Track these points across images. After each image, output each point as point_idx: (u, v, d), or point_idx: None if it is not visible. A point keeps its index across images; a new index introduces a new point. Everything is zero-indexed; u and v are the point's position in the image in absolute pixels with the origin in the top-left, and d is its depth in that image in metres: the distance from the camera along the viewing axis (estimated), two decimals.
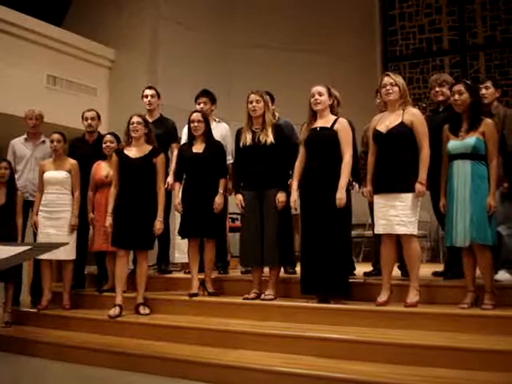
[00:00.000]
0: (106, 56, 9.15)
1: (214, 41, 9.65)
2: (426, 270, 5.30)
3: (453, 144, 4.48)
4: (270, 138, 5.00)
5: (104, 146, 5.77)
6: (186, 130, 5.67)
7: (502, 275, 4.77)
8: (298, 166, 4.92)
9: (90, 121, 6.13)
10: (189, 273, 5.51)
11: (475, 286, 4.42)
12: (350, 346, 4.05)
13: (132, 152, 5.31)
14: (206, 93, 6.05)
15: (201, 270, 5.39)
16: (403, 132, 4.52)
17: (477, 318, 4.17)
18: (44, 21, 8.26)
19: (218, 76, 9.14)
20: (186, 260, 5.78)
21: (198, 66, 9.30)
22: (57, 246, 5.15)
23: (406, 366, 3.73)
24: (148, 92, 6.21)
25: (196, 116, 5.39)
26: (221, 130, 5.99)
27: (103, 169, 5.76)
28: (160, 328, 4.84)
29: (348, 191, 4.81)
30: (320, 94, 4.83)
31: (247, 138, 5.09)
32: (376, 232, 4.67)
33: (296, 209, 4.93)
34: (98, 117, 6.23)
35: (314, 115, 4.89)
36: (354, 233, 6.02)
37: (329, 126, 4.79)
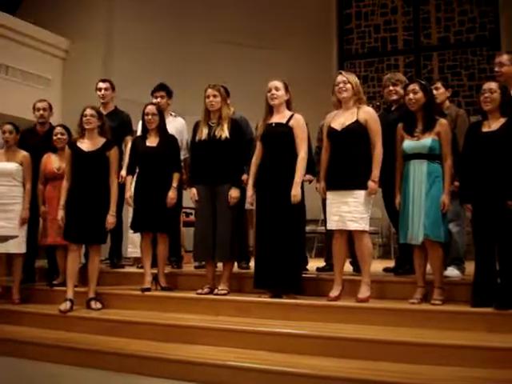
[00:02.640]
0: (61, 46, 8.97)
1: (170, 34, 9.56)
2: (378, 266, 5.39)
3: (409, 144, 4.56)
4: (226, 133, 5.00)
5: (54, 138, 5.66)
6: (141, 122, 5.61)
7: (452, 271, 4.89)
8: (255, 161, 4.93)
9: (41, 111, 6.01)
10: (141, 267, 5.46)
11: (425, 282, 4.51)
12: (303, 340, 4.09)
13: (85, 145, 5.23)
14: (162, 87, 6.01)
15: (154, 264, 5.35)
16: (358, 130, 4.58)
17: (426, 313, 4.26)
18: None
19: (175, 69, 9.06)
20: (138, 254, 5.74)
21: (154, 58, 9.20)
22: (6, 238, 5.04)
23: (357, 360, 3.78)
24: (102, 85, 6.13)
25: (150, 109, 5.35)
26: (177, 125, 5.97)
27: (54, 161, 5.65)
28: (112, 323, 4.78)
29: (302, 187, 4.85)
30: (277, 89, 4.84)
31: (203, 133, 5.07)
32: (328, 228, 4.71)
33: (252, 204, 4.95)
34: (50, 108, 6.11)
35: (270, 110, 4.90)
36: (307, 228, 6.05)
37: (284, 121, 4.81)
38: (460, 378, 3.42)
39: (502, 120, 4.22)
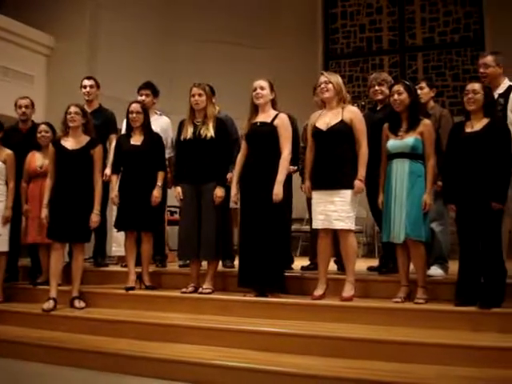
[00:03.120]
0: (45, 43, 8.88)
1: (155, 32, 9.53)
2: (362, 265, 5.41)
3: (392, 143, 4.58)
4: (211, 132, 4.99)
5: (39, 135, 5.61)
6: (125, 121, 5.59)
7: (435, 270, 4.92)
8: (240, 160, 4.93)
9: (23, 109, 5.96)
10: (126, 266, 5.45)
11: (409, 281, 4.54)
12: (287, 339, 4.09)
13: (69, 143, 5.19)
14: (148, 85, 5.99)
15: (138, 263, 5.34)
16: (343, 130, 4.59)
17: (410, 312, 4.28)
18: None
19: (160, 68, 9.04)
20: (122, 253, 5.72)
21: (139, 56, 9.16)
22: None
23: (341, 359, 3.80)
24: (87, 82, 6.10)
25: (135, 107, 5.33)
26: (161, 123, 5.95)
27: (37, 159, 5.61)
28: (96, 322, 4.76)
29: (288, 186, 4.85)
30: (262, 88, 4.84)
31: (188, 131, 5.06)
32: (314, 227, 4.73)
33: (236, 203, 4.95)
34: (32, 105, 6.06)
35: (255, 109, 4.91)
36: (292, 227, 6.07)
37: (269, 121, 4.81)
38: (446, 377, 3.45)
39: (485, 121, 4.25)
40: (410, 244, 4.46)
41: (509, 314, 4.00)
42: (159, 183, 5.27)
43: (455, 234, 4.47)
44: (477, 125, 4.26)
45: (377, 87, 5.26)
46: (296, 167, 5.38)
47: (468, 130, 4.29)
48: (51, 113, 7.61)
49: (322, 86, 4.69)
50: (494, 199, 4.10)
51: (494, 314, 4.03)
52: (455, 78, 10.05)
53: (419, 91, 4.99)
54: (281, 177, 4.69)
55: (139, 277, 5.30)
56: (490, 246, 4.14)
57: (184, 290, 5.01)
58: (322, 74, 4.81)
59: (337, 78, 4.72)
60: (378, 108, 5.30)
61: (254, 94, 4.86)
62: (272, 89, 4.91)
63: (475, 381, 3.38)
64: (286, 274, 4.96)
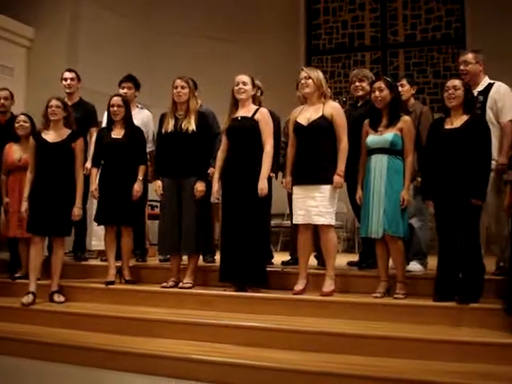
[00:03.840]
0: (25, 35, 8.77)
1: (138, 25, 9.46)
2: (342, 260, 5.45)
3: (372, 139, 4.60)
4: (192, 126, 4.97)
5: (17, 125, 5.54)
6: (106, 114, 5.55)
7: (414, 266, 4.96)
8: (220, 155, 4.93)
9: (2, 100, 5.89)
10: (105, 260, 5.42)
11: (388, 276, 4.57)
12: (267, 333, 4.10)
13: (50, 136, 5.14)
14: (130, 78, 5.96)
15: (118, 257, 5.32)
16: (324, 125, 4.61)
17: (389, 307, 4.31)
18: None
19: (141, 61, 8.98)
20: (102, 247, 5.68)
21: (120, 49, 9.09)
22: None
23: (321, 354, 3.82)
24: (68, 75, 6.05)
25: (116, 100, 5.30)
26: (143, 117, 5.93)
27: (15, 152, 5.54)
28: (75, 316, 4.73)
29: (269, 181, 4.86)
30: (244, 84, 4.84)
31: (169, 124, 5.04)
32: (295, 222, 4.74)
33: (218, 198, 4.95)
34: (12, 96, 6.00)
35: (235, 104, 4.90)
36: (272, 222, 6.08)
37: (250, 115, 4.82)
38: (426, 372, 3.47)
39: (465, 117, 4.28)
40: (388, 239, 4.49)
41: (486, 310, 4.04)
42: (140, 177, 5.25)
43: (434, 230, 4.51)
44: (456, 121, 4.30)
45: (357, 83, 5.29)
46: (274, 174, 5.39)
47: (448, 126, 4.33)
48: (31, 105, 7.52)
49: (303, 81, 4.71)
50: (473, 196, 4.13)
51: (471, 309, 4.07)
52: (436, 75, 10.11)
53: (400, 88, 5.02)
54: (265, 172, 4.70)
55: (119, 271, 5.28)
56: (468, 242, 4.18)
57: (164, 284, 5.00)
58: (303, 69, 4.82)
59: (317, 74, 4.72)
60: (359, 104, 5.32)
61: (236, 88, 4.85)
62: (254, 84, 4.91)
63: (454, 375, 3.40)
64: (267, 268, 4.96)
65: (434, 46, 10.24)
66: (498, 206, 4.61)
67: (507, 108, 4.61)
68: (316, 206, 4.54)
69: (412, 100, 5.33)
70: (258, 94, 5.36)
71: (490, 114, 4.65)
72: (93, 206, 5.71)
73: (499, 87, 4.75)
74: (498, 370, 3.44)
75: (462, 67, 4.89)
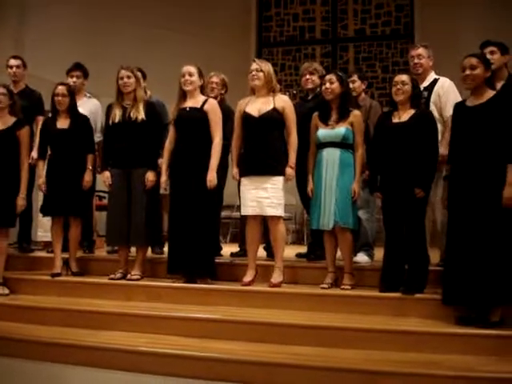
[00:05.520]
0: None
1: (86, 13, 9.26)
2: (291, 252, 5.50)
3: (323, 132, 4.65)
4: (142, 115, 4.93)
5: None
6: (51, 103, 5.43)
7: (361, 257, 5.06)
8: (168, 145, 4.90)
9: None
10: (52, 252, 5.33)
11: (335, 268, 4.64)
12: (215, 325, 4.11)
13: None
14: (78, 66, 5.87)
15: (65, 249, 5.23)
16: (275, 117, 4.64)
17: (337, 298, 4.38)
18: None
19: (89, 49, 8.81)
20: (49, 238, 5.59)
21: (68, 36, 8.89)
22: None
23: (268, 344, 3.85)
24: (13, 62, 5.91)
25: (60, 89, 5.19)
26: (91, 106, 5.85)
27: None
28: (20, 309, 4.64)
29: (222, 173, 4.86)
30: (190, 75, 4.82)
31: (117, 115, 4.98)
32: (244, 213, 4.75)
33: (166, 189, 4.92)
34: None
35: (183, 95, 4.88)
36: (222, 214, 6.08)
37: (198, 106, 4.80)
38: (372, 361, 3.53)
39: (412, 112, 4.37)
40: (337, 231, 4.55)
41: (431, 300, 4.14)
42: (90, 166, 5.19)
43: (381, 222, 4.59)
44: (403, 115, 4.38)
45: (308, 76, 5.33)
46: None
47: (395, 120, 4.40)
48: None
49: (253, 73, 4.71)
50: (417, 186, 4.22)
51: (416, 300, 4.17)
52: (385, 69, 10.24)
53: (351, 84, 5.08)
54: (214, 163, 4.69)
55: (66, 263, 5.20)
56: (413, 233, 4.27)
57: (112, 276, 4.94)
58: (254, 61, 4.82)
59: (268, 67, 4.74)
60: (309, 97, 5.37)
61: (182, 80, 4.83)
62: (201, 75, 4.89)
63: (398, 364, 3.48)
64: (216, 260, 4.98)
65: (383, 41, 10.36)
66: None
67: (451, 103, 4.70)
68: (268, 197, 4.57)
69: (362, 95, 5.43)
70: (223, 91, 5.39)
71: (433, 109, 4.73)
72: (38, 196, 5.61)
73: (443, 83, 4.85)
74: (440, 359, 3.53)
75: (415, 60, 4.93)
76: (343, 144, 4.60)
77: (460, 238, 3.89)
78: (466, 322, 3.83)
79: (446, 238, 4.10)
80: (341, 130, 4.59)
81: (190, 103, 4.84)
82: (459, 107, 4.12)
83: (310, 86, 5.33)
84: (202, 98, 4.86)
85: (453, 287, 3.90)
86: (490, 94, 3.94)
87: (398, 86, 4.38)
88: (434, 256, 4.61)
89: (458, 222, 3.93)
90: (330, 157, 4.61)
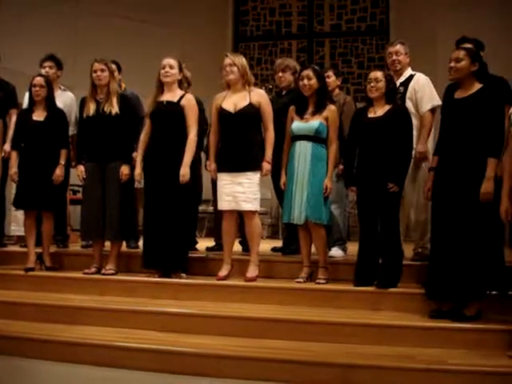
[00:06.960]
0: None
1: (61, 5, 9.16)
2: (266, 246, 5.53)
3: (297, 125, 4.66)
4: (116, 109, 4.89)
5: None
6: (27, 95, 5.38)
7: (335, 251, 5.09)
8: (144, 138, 4.87)
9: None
10: (25, 246, 5.27)
11: (310, 262, 4.66)
12: (190, 319, 4.11)
13: None
14: (51, 57, 5.79)
15: (38, 243, 5.18)
16: (252, 112, 4.64)
17: (311, 292, 4.41)
18: None
19: (64, 41, 8.72)
20: (22, 233, 5.53)
21: (42, 29, 8.76)
22: None
23: (242, 338, 3.86)
24: None
25: (38, 80, 5.13)
26: (65, 99, 5.77)
27: None
28: None
29: (195, 168, 4.84)
30: (171, 67, 4.79)
31: (91, 108, 4.94)
32: (220, 208, 4.74)
33: (140, 182, 4.90)
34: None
35: (161, 88, 4.85)
36: (198, 208, 6.07)
37: (175, 100, 4.78)
38: (345, 354, 3.56)
39: (387, 107, 4.39)
40: (310, 226, 4.57)
41: (404, 294, 4.20)
42: (62, 161, 5.12)
43: (356, 217, 4.62)
44: (379, 111, 4.40)
45: (280, 74, 5.33)
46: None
47: (370, 115, 4.43)
48: None
49: (227, 68, 4.69)
50: (391, 180, 4.25)
51: (390, 294, 4.21)
52: (360, 65, 10.30)
53: (326, 80, 5.09)
54: (188, 158, 4.68)
55: (39, 257, 5.15)
56: (388, 228, 4.31)
57: (86, 271, 4.91)
58: (227, 55, 4.80)
59: (241, 60, 4.73)
60: (284, 93, 5.37)
61: (162, 71, 4.79)
62: (180, 68, 4.87)
63: (373, 357, 3.51)
64: (191, 255, 4.98)
65: (358, 36, 10.42)
66: (417, 194, 4.75)
67: (426, 98, 4.75)
68: (244, 191, 4.57)
69: (337, 90, 5.47)
70: (186, 85, 5.34)
71: (409, 105, 4.76)
72: (11, 189, 5.55)
73: (419, 78, 4.88)
74: (414, 352, 3.57)
75: (394, 57, 4.93)
76: (316, 138, 4.60)
77: (443, 230, 3.92)
78: (439, 316, 3.87)
79: (431, 230, 4.14)
80: (314, 123, 4.60)
81: (167, 96, 4.81)
82: (448, 100, 4.16)
83: (283, 84, 5.34)
84: (179, 92, 4.84)
85: (436, 281, 3.92)
86: (478, 86, 3.98)
87: (372, 84, 4.40)
88: (408, 251, 4.66)
89: (441, 214, 3.95)
90: (302, 150, 4.61)
